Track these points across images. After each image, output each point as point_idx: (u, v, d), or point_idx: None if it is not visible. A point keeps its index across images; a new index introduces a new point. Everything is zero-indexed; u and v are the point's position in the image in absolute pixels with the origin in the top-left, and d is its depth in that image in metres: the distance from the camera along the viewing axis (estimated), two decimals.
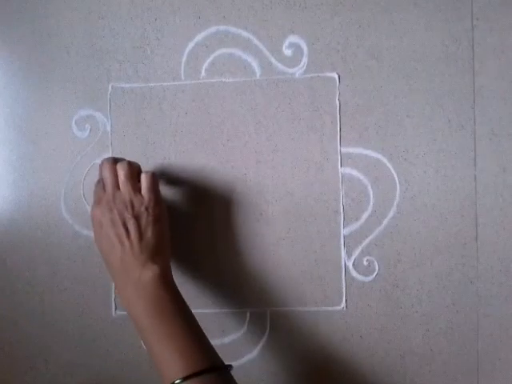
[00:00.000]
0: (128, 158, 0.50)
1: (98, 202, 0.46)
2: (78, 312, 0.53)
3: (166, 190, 0.52)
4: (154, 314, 0.42)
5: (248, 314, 0.52)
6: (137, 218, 0.44)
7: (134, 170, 0.46)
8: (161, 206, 0.46)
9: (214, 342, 0.51)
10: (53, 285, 0.53)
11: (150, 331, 0.41)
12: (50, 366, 0.54)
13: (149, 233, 0.44)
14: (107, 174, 0.46)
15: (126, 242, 0.44)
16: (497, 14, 0.48)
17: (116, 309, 0.53)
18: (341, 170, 0.50)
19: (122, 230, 0.44)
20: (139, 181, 0.46)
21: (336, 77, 0.50)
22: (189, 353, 0.40)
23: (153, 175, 0.46)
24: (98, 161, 0.52)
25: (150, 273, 0.43)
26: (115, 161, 0.47)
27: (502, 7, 0.48)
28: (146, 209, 0.45)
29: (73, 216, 0.53)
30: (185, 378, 0.38)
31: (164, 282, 0.44)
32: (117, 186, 0.46)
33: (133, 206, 0.45)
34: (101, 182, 0.47)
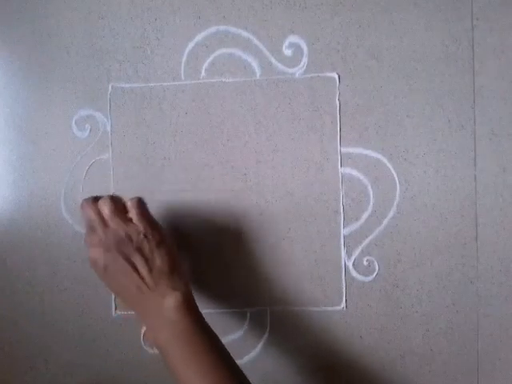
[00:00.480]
0: (128, 158, 0.51)
1: (92, 246, 0.43)
2: (78, 312, 0.53)
3: (164, 196, 0.52)
4: (183, 342, 0.41)
5: (248, 314, 0.52)
6: (138, 249, 0.42)
7: (119, 202, 0.44)
8: (158, 228, 0.44)
9: None
10: (53, 285, 0.53)
11: (179, 360, 0.40)
12: (49, 366, 0.54)
13: (157, 260, 0.42)
14: (92, 215, 0.43)
15: (137, 279, 0.41)
16: (497, 13, 0.48)
17: (116, 309, 0.53)
18: (341, 169, 0.50)
19: (128, 268, 0.41)
20: (127, 212, 0.44)
21: (336, 77, 0.50)
22: (218, 375, 0.40)
23: (139, 200, 0.44)
24: (98, 160, 0.52)
25: (171, 302, 0.41)
26: (95, 199, 0.44)
27: (502, 7, 0.48)
28: (145, 236, 0.42)
29: (73, 216, 0.53)
30: None
31: (188, 307, 0.42)
32: (105, 224, 0.43)
33: (130, 239, 0.42)
34: (88, 226, 0.43)
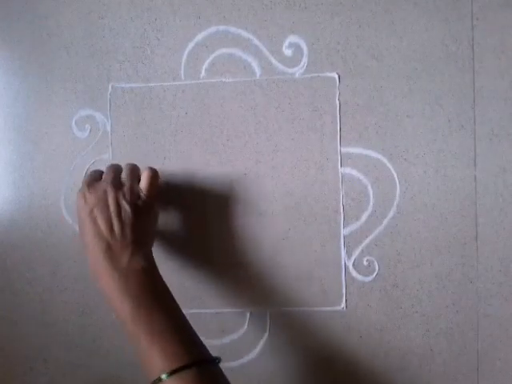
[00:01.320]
0: (128, 158, 0.51)
1: (90, 183, 0.45)
2: (78, 312, 0.53)
3: (164, 195, 0.52)
4: (141, 304, 0.40)
5: (248, 314, 0.52)
6: (132, 206, 0.44)
7: (137, 170, 0.48)
8: (155, 203, 0.47)
9: (214, 342, 0.51)
10: (53, 285, 0.53)
11: (135, 323, 0.39)
12: (49, 366, 0.54)
13: (141, 223, 0.44)
14: (111, 166, 0.47)
15: (117, 228, 0.43)
16: (497, 14, 0.48)
17: None
18: (341, 169, 0.50)
19: (114, 215, 0.43)
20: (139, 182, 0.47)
21: (336, 77, 0.50)
22: (176, 347, 0.38)
23: (155, 171, 0.47)
24: (98, 160, 0.52)
25: (140, 261, 0.42)
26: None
27: (502, 7, 0.48)
28: (142, 201, 0.45)
29: (73, 216, 0.53)
30: (171, 373, 0.37)
31: (153, 273, 0.43)
32: (117, 176, 0.46)
33: (131, 194, 0.44)
34: (97, 172, 0.47)
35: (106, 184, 0.45)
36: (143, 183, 0.46)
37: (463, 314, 0.50)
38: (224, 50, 0.51)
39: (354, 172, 0.50)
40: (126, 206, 0.44)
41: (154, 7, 0.52)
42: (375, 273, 0.50)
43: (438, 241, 0.49)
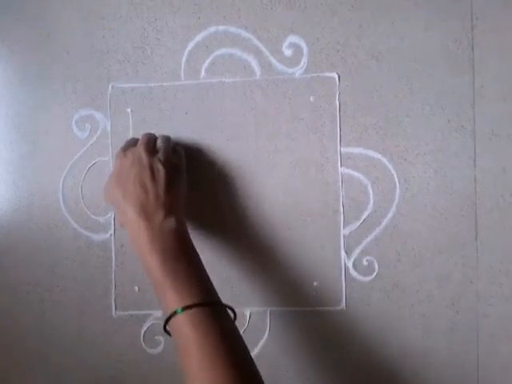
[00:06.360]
0: None
1: (126, 148, 0.48)
2: (78, 312, 0.53)
3: None
4: (169, 258, 0.43)
5: (248, 314, 0.52)
6: (165, 168, 0.46)
7: (170, 139, 0.50)
8: (185, 176, 0.49)
9: None
10: (53, 285, 0.53)
11: (162, 273, 0.42)
12: (49, 366, 0.54)
13: (174, 186, 0.46)
14: (146, 134, 0.49)
15: (152, 189, 0.45)
16: (497, 14, 0.48)
17: (116, 309, 0.53)
18: (341, 169, 0.50)
19: (148, 177, 0.45)
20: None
21: (336, 77, 0.50)
22: (194, 290, 0.42)
23: (183, 151, 0.50)
24: (98, 160, 0.52)
25: (172, 222, 0.44)
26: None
27: (502, 7, 0.48)
28: (176, 165, 0.47)
29: (73, 216, 0.53)
30: (185, 308, 0.40)
31: (184, 234, 0.45)
32: (152, 142, 0.48)
33: (165, 157, 0.46)
34: (133, 139, 0.49)
35: (140, 149, 0.46)
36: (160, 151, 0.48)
37: (463, 314, 0.50)
38: (224, 50, 0.51)
39: (354, 172, 0.50)
40: (160, 169, 0.45)
41: (153, 7, 0.52)
42: (375, 273, 0.50)
43: (437, 241, 0.49)
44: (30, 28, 0.53)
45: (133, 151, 0.47)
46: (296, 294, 0.51)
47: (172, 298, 0.41)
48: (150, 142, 0.48)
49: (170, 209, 0.44)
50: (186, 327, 0.40)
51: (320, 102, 0.50)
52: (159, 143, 0.48)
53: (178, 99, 0.52)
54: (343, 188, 0.50)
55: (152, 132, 0.50)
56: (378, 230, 0.50)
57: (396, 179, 0.50)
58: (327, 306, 0.51)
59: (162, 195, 0.45)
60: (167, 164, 0.46)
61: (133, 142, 0.49)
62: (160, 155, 0.46)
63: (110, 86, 0.52)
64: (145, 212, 0.44)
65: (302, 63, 0.50)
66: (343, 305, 0.50)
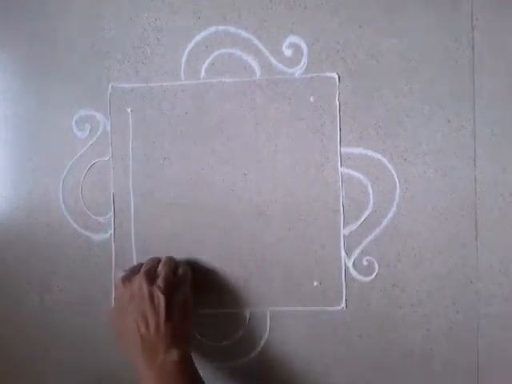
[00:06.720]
0: (128, 158, 0.50)
1: (126, 277, 0.47)
2: (78, 312, 0.53)
3: (164, 196, 0.52)
4: None
5: (248, 314, 0.52)
6: (166, 294, 0.45)
7: (173, 261, 0.50)
8: (190, 296, 0.48)
9: (215, 342, 0.51)
10: (53, 284, 0.53)
11: None
12: (49, 366, 0.54)
13: (177, 311, 0.46)
14: (149, 259, 0.50)
15: (153, 319, 0.45)
16: (497, 14, 0.48)
17: None
18: (341, 169, 0.50)
19: (148, 309, 0.45)
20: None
21: (336, 77, 0.50)
22: None
23: (168, 261, 0.49)
24: (98, 160, 0.52)
25: (174, 354, 0.44)
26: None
27: (502, 7, 0.48)
28: (180, 285, 0.47)
29: (73, 216, 0.53)
30: None
31: (187, 366, 0.45)
32: (153, 268, 0.48)
33: (165, 283, 0.46)
34: (137, 266, 0.49)
35: (141, 277, 0.46)
36: (160, 276, 0.47)
37: (463, 314, 0.50)
38: (224, 50, 0.51)
39: (354, 172, 0.50)
40: (160, 296, 0.45)
41: (153, 7, 0.52)
42: (375, 273, 0.50)
43: (437, 241, 0.49)
44: (30, 28, 0.53)
45: (133, 281, 0.47)
46: (296, 294, 0.51)
47: None
48: (152, 268, 0.48)
49: (171, 341, 0.44)
50: None
51: (320, 102, 0.50)
52: (160, 268, 0.48)
53: (178, 99, 0.52)
54: (343, 188, 0.50)
55: (156, 256, 0.50)
56: (378, 230, 0.50)
57: (396, 179, 0.50)
58: (327, 305, 0.51)
59: (162, 326, 0.44)
60: (167, 290, 0.46)
61: (137, 269, 0.48)
62: (160, 282, 0.46)
63: (110, 86, 0.52)
64: (146, 349, 0.44)
65: (301, 63, 0.50)
66: (343, 305, 0.50)
